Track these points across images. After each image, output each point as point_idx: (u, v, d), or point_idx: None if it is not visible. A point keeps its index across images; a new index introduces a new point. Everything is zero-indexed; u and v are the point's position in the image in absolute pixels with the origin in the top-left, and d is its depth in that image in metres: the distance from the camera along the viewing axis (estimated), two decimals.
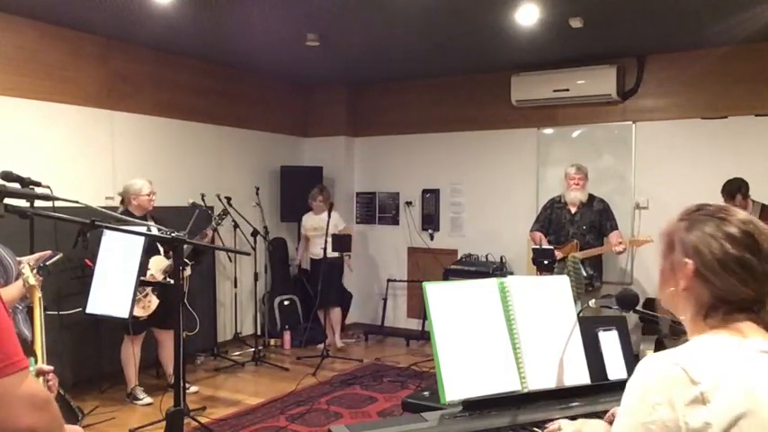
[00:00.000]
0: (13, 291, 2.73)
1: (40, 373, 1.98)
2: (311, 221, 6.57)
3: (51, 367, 2.04)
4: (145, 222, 2.40)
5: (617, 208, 5.49)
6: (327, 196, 6.56)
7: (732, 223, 1.19)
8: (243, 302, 6.70)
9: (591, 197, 5.38)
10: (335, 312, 6.62)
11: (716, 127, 5.69)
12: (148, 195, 4.83)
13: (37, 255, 2.91)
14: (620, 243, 5.13)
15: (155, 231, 4.66)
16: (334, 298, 6.57)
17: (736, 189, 4.88)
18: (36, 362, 2.15)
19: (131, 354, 4.79)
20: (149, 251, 4.60)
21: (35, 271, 2.81)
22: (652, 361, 1.13)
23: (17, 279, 2.83)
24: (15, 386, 1.06)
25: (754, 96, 5.49)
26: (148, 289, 4.66)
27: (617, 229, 5.33)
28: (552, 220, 5.46)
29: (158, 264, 4.71)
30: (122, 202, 4.91)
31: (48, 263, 2.93)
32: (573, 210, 5.35)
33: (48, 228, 4.20)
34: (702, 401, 1.05)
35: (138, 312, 4.62)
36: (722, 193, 4.94)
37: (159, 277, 4.70)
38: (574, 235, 5.28)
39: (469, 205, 6.96)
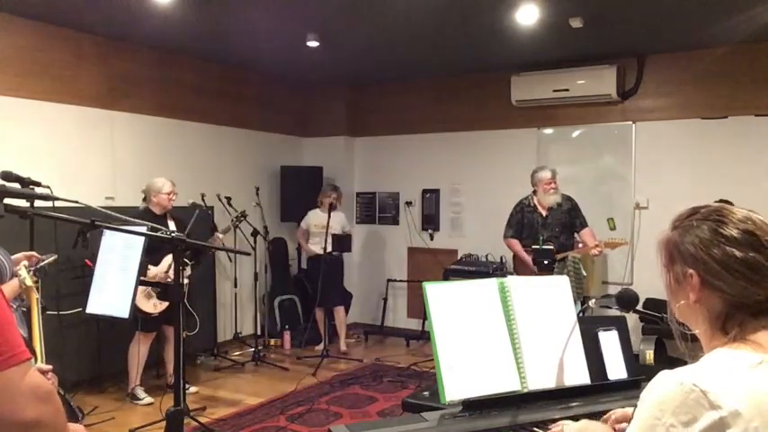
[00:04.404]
0: (7, 290, 2.72)
1: (39, 373, 1.98)
2: (320, 219, 6.33)
3: (50, 366, 2.05)
4: (146, 222, 2.39)
5: (617, 208, 5.49)
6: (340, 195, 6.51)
7: (729, 224, 1.13)
8: (243, 302, 6.70)
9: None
10: (339, 312, 6.50)
11: (716, 127, 5.69)
12: (168, 194, 4.87)
13: (27, 253, 2.88)
14: (597, 246, 5.05)
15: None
16: (337, 297, 6.48)
17: None
18: (36, 361, 2.15)
19: (137, 352, 4.81)
20: (163, 251, 4.60)
21: (31, 272, 2.79)
22: (669, 379, 1.06)
23: (11, 279, 2.82)
24: (19, 378, 1.06)
25: (754, 96, 5.49)
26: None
27: (587, 225, 5.27)
28: (524, 224, 5.34)
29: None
30: (144, 199, 4.94)
31: (43, 263, 2.92)
32: (544, 213, 5.27)
33: (48, 228, 4.19)
34: (722, 428, 0.99)
35: (149, 309, 4.64)
36: None
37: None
38: (548, 238, 5.19)
39: (469, 205, 6.95)
